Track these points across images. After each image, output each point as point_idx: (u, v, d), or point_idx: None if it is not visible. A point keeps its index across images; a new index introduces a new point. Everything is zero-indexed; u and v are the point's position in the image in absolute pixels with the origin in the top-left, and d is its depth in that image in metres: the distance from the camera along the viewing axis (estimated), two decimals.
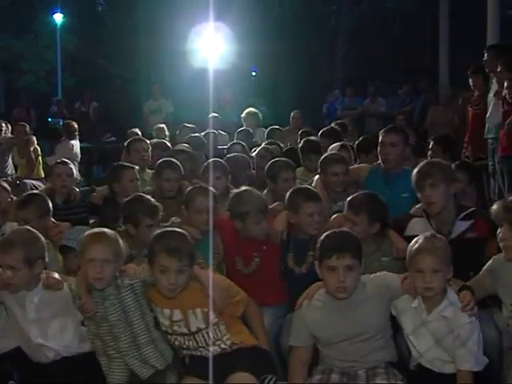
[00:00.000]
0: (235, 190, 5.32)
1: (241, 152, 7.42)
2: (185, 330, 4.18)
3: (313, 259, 4.69)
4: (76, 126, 11.30)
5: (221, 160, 6.39)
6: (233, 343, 4.23)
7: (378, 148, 5.99)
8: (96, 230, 4.32)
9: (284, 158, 6.45)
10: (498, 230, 3.87)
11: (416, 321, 4.00)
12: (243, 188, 5.22)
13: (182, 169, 6.21)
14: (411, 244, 4.00)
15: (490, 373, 4.04)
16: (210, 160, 6.34)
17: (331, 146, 7.04)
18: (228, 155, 7.05)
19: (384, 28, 20.16)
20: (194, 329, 4.17)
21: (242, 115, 10.74)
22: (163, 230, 4.28)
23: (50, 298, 4.29)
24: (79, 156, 11.19)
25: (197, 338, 4.20)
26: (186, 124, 9.94)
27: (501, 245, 3.87)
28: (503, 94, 7.89)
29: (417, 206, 4.98)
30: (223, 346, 4.22)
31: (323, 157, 6.10)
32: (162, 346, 4.29)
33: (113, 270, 4.12)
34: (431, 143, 7.09)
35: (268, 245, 5.00)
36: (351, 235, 4.11)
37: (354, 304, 4.02)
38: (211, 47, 14.17)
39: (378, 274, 4.23)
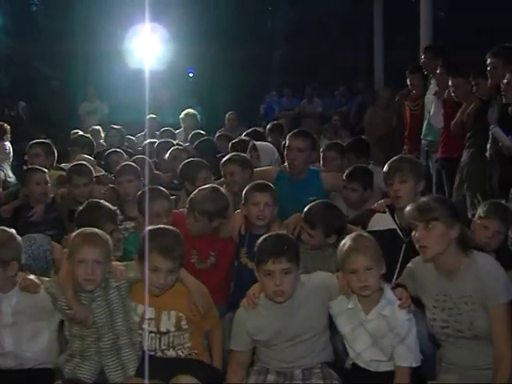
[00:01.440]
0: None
1: None
2: (153, 329, 4.19)
3: None
4: (7, 127, 11.09)
5: (132, 164, 6.35)
6: (190, 353, 4.26)
7: (285, 152, 6.00)
8: (87, 230, 4.23)
9: (199, 159, 6.44)
10: (413, 233, 3.93)
11: (353, 321, 4.04)
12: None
13: (92, 173, 6.19)
14: (340, 247, 4.03)
15: (425, 369, 4.10)
16: (122, 164, 6.33)
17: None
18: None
19: (320, 29, 20.27)
20: (163, 329, 4.20)
21: (181, 116, 10.70)
22: (158, 227, 4.25)
23: (26, 301, 4.18)
24: (11, 157, 10.99)
25: (162, 339, 4.21)
26: (113, 125, 9.84)
27: (417, 246, 3.92)
28: (445, 95, 8.00)
29: (379, 202, 5.05)
30: (180, 352, 4.25)
31: None
32: (138, 352, 4.25)
33: (103, 271, 4.08)
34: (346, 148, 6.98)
35: (227, 244, 5.05)
36: (288, 238, 4.13)
37: (294, 306, 4.04)
38: (147, 48, 14.10)
39: (314, 273, 4.26)
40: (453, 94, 7.72)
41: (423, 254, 3.94)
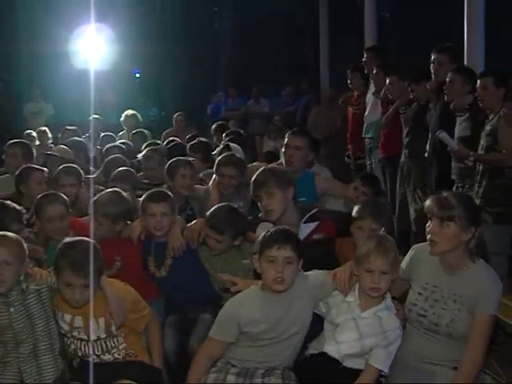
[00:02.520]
0: None
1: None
2: (84, 337, 4.10)
3: (171, 262, 4.85)
4: None
5: (75, 166, 6.31)
6: (127, 354, 4.20)
7: (284, 149, 6.01)
8: None
9: (184, 158, 6.45)
10: (428, 223, 3.93)
11: (346, 314, 4.06)
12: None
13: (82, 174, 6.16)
14: (363, 242, 4.07)
15: None
16: (61, 166, 6.26)
17: (233, 146, 7.09)
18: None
19: (266, 29, 20.31)
20: (93, 337, 4.11)
21: (121, 118, 10.64)
22: (71, 240, 4.11)
23: None
24: None
25: (94, 345, 4.13)
26: (68, 127, 9.77)
27: (428, 237, 3.93)
28: (381, 94, 8.11)
29: None
30: (117, 355, 4.19)
31: (217, 158, 6.11)
32: (58, 357, 4.19)
33: (13, 273, 3.95)
34: None
35: (129, 245, 5.00)
36: (292, 232, 4.14)
37: (289, 301, 4.04)
38: (92, 48, 14.00)
39: (311, 272, 4.24)
40: (387, 92, 7.83)
41: (432, 248, 3.94)
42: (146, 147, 7.55)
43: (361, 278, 4.02)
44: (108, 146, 8.25)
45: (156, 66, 19.13)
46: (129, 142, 8.80)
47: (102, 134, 9.59)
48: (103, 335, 4.14)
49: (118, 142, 8.67)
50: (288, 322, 4.04)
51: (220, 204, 5.02)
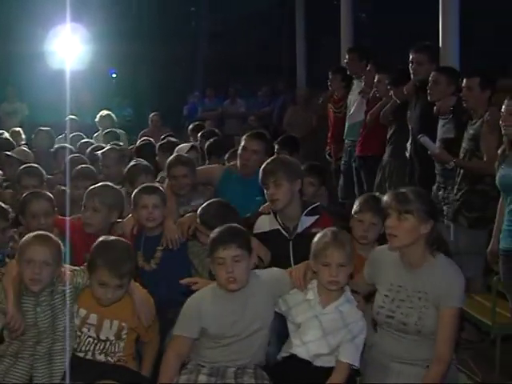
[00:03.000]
0: None
1: None
2: (93, 334, 4.13)
3: (162, 254, 4.89)
4: None
5: (36, 166, 6.31)
6: (118, 360, 4.21)
7: (239, 151, 5.99)
8: (41, 232, 4.19)
9: (145, 163, 6.44)
10: (387, 219, 3.96)
11: (308, 313, 4.06)
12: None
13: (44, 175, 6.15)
14: (318, 237, 4.07)
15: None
16: (22, 167, 6.26)
17: (179, 147, 7.07)
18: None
19: (244, 30, 20.30)
20: (102, 337, 4.15)
21: (96, 119, 10.61)
22: (108, 239, 4.21)
23: None
24: None
25: (99, 345, 4.17)
26: (42, 127, 9.70)
27: (387, 232, 3.97)
28: (371, 94, 8.11)
29: (265, 205, 5.04)
30: (110, 358, 4.20)
31: (168, 159, 6.07)
32: (68, 358, 4.17)
33: (51, 274, 4.01)
34: (276, 146, 7.04)
35: None
36: (237, 227, 4.15)
37: (245, 297, 4.04)
38: (68, 48, 13.95)
39: (267, 269, 4.32)
40: (375, 90, 7.84)
41: (391, 243, 3.97)
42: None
43: (319, 272, 4.03)
44: (80, 143, 8.28)
45: (132, 66, 19.07)
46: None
47: (72, 135, 9.55)
48: (112, 338, 4.18)
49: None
50: (247, 319, 4.05)
51: (211, 200, 5.01)
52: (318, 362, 4.05)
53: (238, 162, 5.98)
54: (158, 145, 7.68)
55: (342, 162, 8.97)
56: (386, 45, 14.98)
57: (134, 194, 5.06)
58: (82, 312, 4.15)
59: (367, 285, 4.25)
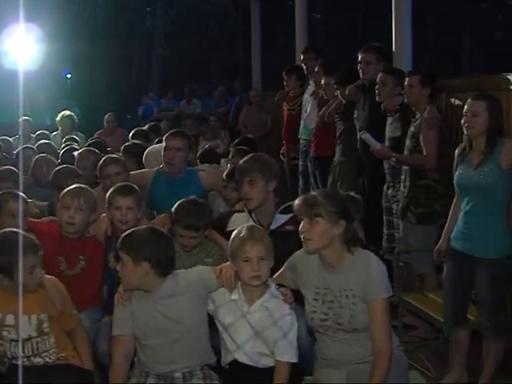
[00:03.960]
0: None
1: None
2: (14, 337, 4.03)
3: None
4: None
5: (12, 168, 6.26)
6: (58, 358, 4.13)
7: (163, 152, 6.01)
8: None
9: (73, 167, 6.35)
10: (300, 224, 3.98)
11: (236, 313, 4.03)
12: None
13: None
14: (234, 236, 4.04)
15: (303, 364, 4.15)
16: None
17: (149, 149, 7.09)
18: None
19: (200, 30, 20.30)
20: (24, 335, 4.04)
21: (57, 118, 10.51)
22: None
23: None
24: None
25: (25, 346, 4.06)
26: None
27: (301, 237, 3.98)
28: (321, 94, 8.15)
29: (240, 202, 5.07)
30: (48, 359, 4.12)
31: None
32: None
33: None
34: (232, 149, 7.11)
35: (95, 245, 4.96)
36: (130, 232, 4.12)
37: (165, 298, 4.00)
38: (21, 49, 13.79)
39: (192, 268, 4.26)
40: (323, 92, 7.88)
41: (306, 247, 3.96)
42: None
43: (240, 270, 3.99)
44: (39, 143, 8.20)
45: (87, 66, 18.96)
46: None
47: (37, 133, 9.46)
48: (34, 334, 4.08)
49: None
50: (165, 319, 4.01)
51: (181, 201, 4.96)
52: (261, 362, 4.04)
53: (163, 163, 6.00)
54: (122, 148, 7.59)
55: (300, 163, 8.99)
56: (340, 44, 15.14)
57: (108, 194, 5.01)
58: None
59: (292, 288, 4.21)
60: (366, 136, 6.28)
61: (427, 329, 5.89)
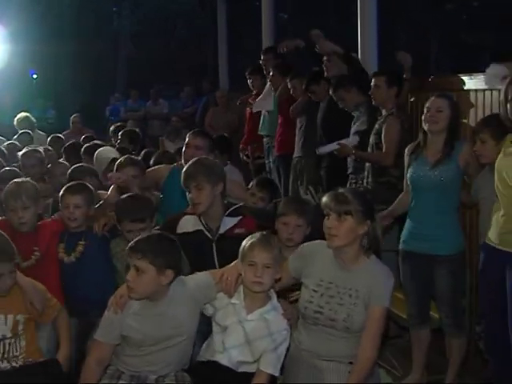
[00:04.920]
0: None
1: None
2: None
3: (83, 248, 4.87)
4: None
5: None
6: (25, 361, 4.11)
7: (184, 149, 6.00)
8: None
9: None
10: (326, 219, 4.00)
11: (232, 317, 4.02)
12: None
13: None
14: (248, 238, 4.05)
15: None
16: None
17: (100, 150, 7.08)
18: None
19: (167, 30, 20.26)
20: None
21: (14, 122, 10.46)
22: None
23: None
24: None
25: None
26: None
27: (326, 232, 3.99)
28: (277, 94, 8.20)
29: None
30: (15, 363, 4.10)
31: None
32: None
33: None
34: None
35: (48, 236, 4.98)
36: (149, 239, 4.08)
37: (168, 305, 3.99)
38: None
39: (193, 275, 4.23)
40: (293, 94, 7.92)
41: (331, 242, 3.99)
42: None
43: (244, 273, 4.00)
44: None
45: (54, 66, 18.85)
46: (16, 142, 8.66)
47: (20, 133, 9.39)
48: (9, 334, 4.08)
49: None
50: (168, 327, 3.99)
51: (120, 198, 5.05)
52: (240, 369, 4.03)
53: (182, 158, 5.97)
54: (83, 148, 7.57)
55: (266, 161, 9.03)
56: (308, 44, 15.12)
57: (61, 191, 5.04)
58: None
59: (291, 278, 4.24)
60: (323, 150, 6.42)
61: (392, 327, 5.93)
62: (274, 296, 4.10)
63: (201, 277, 4.19)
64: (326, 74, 7.19)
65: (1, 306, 4.06)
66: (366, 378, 3.90)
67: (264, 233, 4.12)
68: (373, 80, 6.09)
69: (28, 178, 5.38)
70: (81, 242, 4.91)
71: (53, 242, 4.96)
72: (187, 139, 6.01)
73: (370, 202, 4.15)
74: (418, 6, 18.26)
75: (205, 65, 19.13)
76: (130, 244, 3.99)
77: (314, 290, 4.06)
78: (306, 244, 4.30)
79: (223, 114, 11.20)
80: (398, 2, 16.01)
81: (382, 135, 5.88)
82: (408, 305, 5.24)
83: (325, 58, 7.19)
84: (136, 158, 6.22)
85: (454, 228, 5.03)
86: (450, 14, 19.46)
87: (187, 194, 4.77)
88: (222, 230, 4.74)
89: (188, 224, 4.83)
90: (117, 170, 5.85)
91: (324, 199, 4.05)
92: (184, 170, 4.84)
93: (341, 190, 4.04)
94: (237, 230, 4.71)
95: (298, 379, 4.09)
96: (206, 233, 4.77)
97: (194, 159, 5.02)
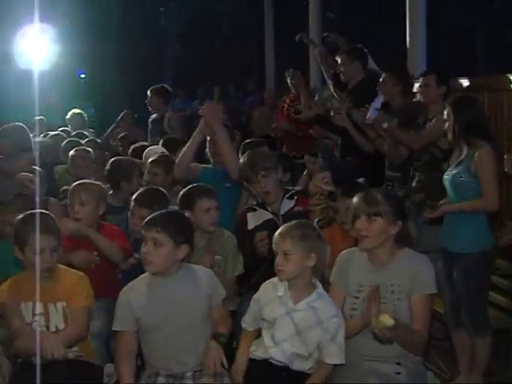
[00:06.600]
0: None
1: None
2: (43, 327, 4.03)
3: None
4: None
5: None
6: (78, 355, 4.15)
7: (208, 145, 6.10)
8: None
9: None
10: (357, 221, 4.03)
11: (280, 309, 4.01)
12: None
13: None
14: None
15: None
16: None
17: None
18: None
19: (212, 30, 20.30)
20: (52, 327, 4.07)
21: (67, 117, 10.58)
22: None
23: None
24: None
25: None
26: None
27: (357, 234, 4.05)
28: None
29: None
30: (70, 356, 4.10)
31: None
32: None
33: None
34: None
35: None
36: (170, 214, 4.20)
37: (176, 284, 4.03)
38: (36, 49, 13.83)
39: (203, 268, 4.29)
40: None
41: (362, 244, 4.05)
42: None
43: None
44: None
45: (101, 67, 19.00)
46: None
47: (54, 133, 9.51)
48: (62, 325, 4.10)
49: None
50: (176, 302, 4.02)
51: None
52: (294, 366, 4.02)
53: (209, 153, 6.23)
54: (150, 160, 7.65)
55: None
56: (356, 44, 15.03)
57: (132, 201, 5.27)
58: (29, 304, 4.09)
59: (343, 296, 4.21)
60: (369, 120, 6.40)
61: (439, 328, 5.88)
62: (319, 284, 4.08)
63: (212, 273, 4.28)
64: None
65: (51, 294, 4.07)
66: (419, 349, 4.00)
67: (296, 221, 4.11)
68: (421, 79, 6.09)
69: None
70: None
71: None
72: (209, 136, 6.11)
73: (402, 203, 4.19)
74: (464, 5, 18.08)
75: (250, 65, 19.14)
76: (147, 218, 4.06)
77: (356, 297, 4.09)
78: (338, 256, 4.29)
79: (270, 114, 11.21)
80: (445, 2, 15.86)
81: (432, 123, 5.89)
82: (444, 305, 5.22)
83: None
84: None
85: (473, 226, 4.96)
86: (497, 13, 19.22)
87: (251, 185, 5.14)
88: (282, 211, 5.08)
89: (254, 218, 5.14)
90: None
91: (354, 200, 4.08)
92: (245, 161, 5.15)
93: (371, 192, 4.09)
94: (296, 208, 5.12)
95: (343, 380, 4.05)
96: (275, 219, 5.07)
97: (249, 152, 5.35)
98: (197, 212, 4.91)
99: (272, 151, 5.39)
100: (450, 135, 5.03)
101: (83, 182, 5.19)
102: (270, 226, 4.93)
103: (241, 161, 5.25)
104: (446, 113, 5.06)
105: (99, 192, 5.14)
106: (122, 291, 4.14)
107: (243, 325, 4.22)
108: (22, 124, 7.25)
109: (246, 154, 5.30)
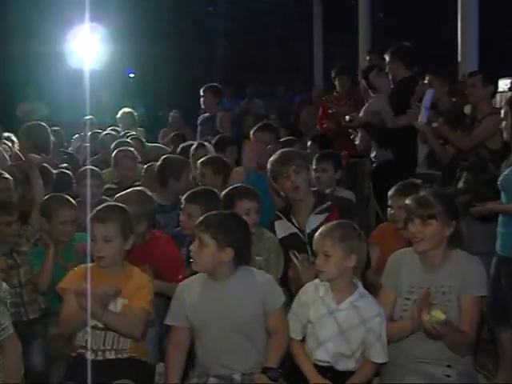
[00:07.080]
0: None
1: None
2: (100, 325, 4.02)
3: None
4: None
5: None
6: (131, 355, 4.15)
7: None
8: None
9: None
10: (410, 225, 4.00)
11: (322, 309, 4.02)
12: None
13: None
14: None
15: None
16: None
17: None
18: None
19: (261, 29, 20.29)
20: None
21: (118, 115, 10.69)
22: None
23: None
24: None
25: (106, 337, 4.08)
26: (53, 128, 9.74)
27: (411, 237, 4.03)
28: None
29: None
30: (120, 356, 4.13)
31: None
32: None
33: None
34: (309, 142, 7.55)
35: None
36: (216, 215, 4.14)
37: (231, 287, 4.02)
38: (87, 48, 13.97)
39: (263, 274, 4.27)
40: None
41: (417, 246, 4.02)
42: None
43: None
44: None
45: (150, 66, 19.12)
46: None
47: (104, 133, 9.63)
48: None
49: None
50: (228, 307, 4.00)
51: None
52: (339, 366, 4.02)
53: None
54: (199, 162, 7.65)
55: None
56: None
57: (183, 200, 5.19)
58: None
59: (394, 298, 4.21)
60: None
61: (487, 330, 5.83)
62: (360, 284, 4.08)
63: (271, 278, 4.23)
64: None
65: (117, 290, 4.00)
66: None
67: (336, 222, 4.12)
68: (468, 80, 6.07)
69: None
70: None
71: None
72: (252, 136, 6.13)
73: (453, 201, 4.13)
74: None
75: (298, 64, 19.10)
76: (201, 217, 4.07)
77: (407, 298, 4.08)
78: (390, 257, 4.29)
79: (317, 114, 11.19)
80: (496, 2, 15.68)
81: (481, 123, 5.86)
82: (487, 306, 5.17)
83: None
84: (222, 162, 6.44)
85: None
86: None
87: (279, 183, 4.98)
88: (308, 229, 4.81)
89: (281, 228, 4.99)
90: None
91: (407, 203, 4.02)
92: (276, 158, 5.05)
93: (423, 193, 4.03)
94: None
95: (392, 381, 4.08)
96: (300, 234, 4.88)
97: (282, 150, 5.26)
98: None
99: (303, 150, 5.30)
100: (505, 134, 4.98)
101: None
102: (294, 241, 4.90)
103: (271, 158, 5.14)
104: (503, 112, 5.02)
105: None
106: (180, 285, 4.18)
107: (292, 335, 4.16)
108: (43, 124, 7.28)
109: (279, 151, 5.22)
